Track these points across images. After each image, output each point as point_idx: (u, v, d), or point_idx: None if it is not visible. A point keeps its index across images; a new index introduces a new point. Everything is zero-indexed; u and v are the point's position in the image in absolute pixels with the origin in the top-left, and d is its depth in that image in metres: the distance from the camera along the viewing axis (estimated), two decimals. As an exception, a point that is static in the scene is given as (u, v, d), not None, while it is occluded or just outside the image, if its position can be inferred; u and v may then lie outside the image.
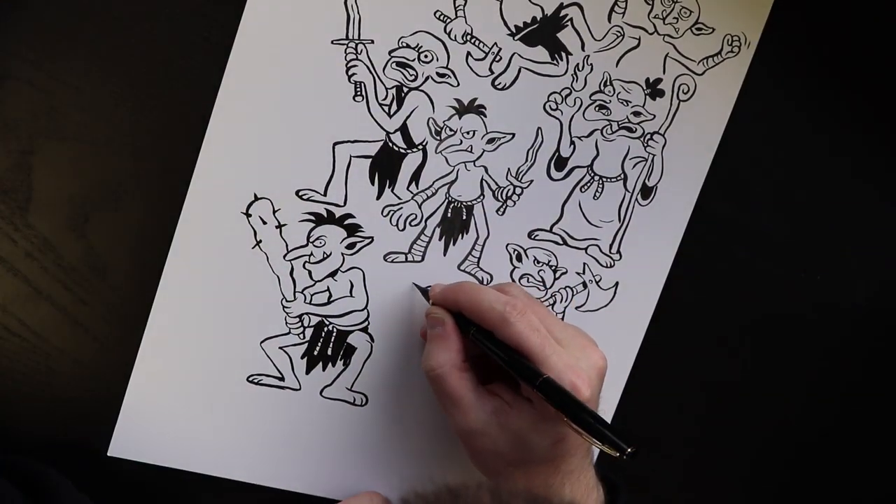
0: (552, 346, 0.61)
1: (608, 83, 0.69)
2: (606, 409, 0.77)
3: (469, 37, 0.65)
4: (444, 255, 0.69)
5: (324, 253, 0.66)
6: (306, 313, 0.67)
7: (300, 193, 0.64)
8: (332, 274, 0.67)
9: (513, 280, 0.71)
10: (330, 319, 0.67)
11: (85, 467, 0.64)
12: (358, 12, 0.62)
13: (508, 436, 0.62)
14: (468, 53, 0.65)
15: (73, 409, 0.63)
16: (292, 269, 0.65)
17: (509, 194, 0.69)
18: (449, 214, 0.68)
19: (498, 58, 0.66)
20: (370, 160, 0.65)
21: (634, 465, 0.80)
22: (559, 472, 0.64)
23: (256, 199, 0.63)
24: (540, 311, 0.64)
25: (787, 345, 0.84)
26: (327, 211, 0.65)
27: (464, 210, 0.69)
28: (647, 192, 0.73)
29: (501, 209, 0.70)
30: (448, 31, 0.64)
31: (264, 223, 0.64)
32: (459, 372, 0.64)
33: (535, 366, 0.61)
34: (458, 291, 0.65)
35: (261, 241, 0.64)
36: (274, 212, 0.64)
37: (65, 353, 0.62)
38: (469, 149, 0.67)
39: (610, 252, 0.73)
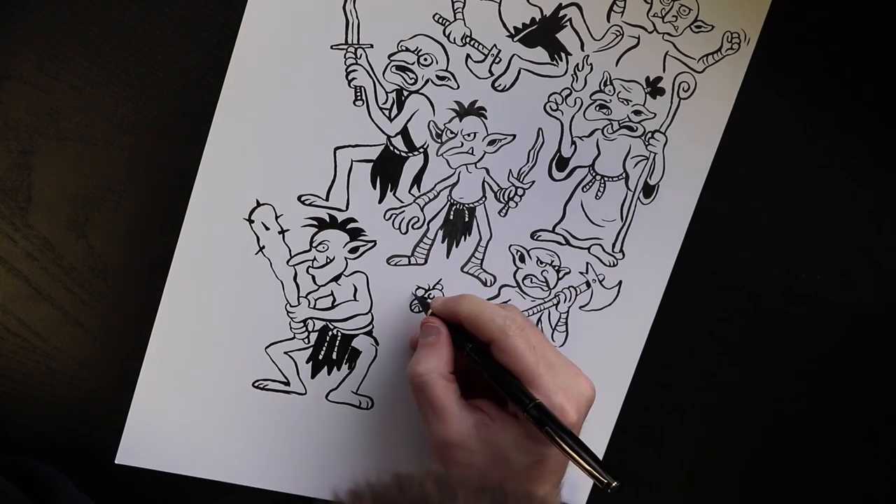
0: (546, 366, 0.62)
1: (608, 83, 0.69)
2: (610, 408, 0.77)
3: (468, 39, 0.65)
4: (447, 257, 0.69)
5: (327, 257, 0.66)
6: (310, 318, 0.67)
7: (302, 199, 0.64)
8: (336, 278, 0.67)
9: (516, 281, 0.71)
10: (334, 323, 0.67)
11: (85, 468, 0.64)
12: (357, 17, 0.62)
13: (488, 451, 0.62)
14: (467, 56, 0.66)
15: (72, 408, 0.63)
16: (296, 274, 0.65)
17: (511, 195, 0.69)
18: (451, 217, 0.68)
19: (497, 59, 0.66)
20: (371, 164, 0.65)
21: (636, 462, 0.81)
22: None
23: (259, 204, 0.63)
24: (536, 333, 0.64)
25: (787, 344, 0.84)
26: (330, 216, 0.65)
27: (466, 212, 0.69)
28: (648, 190, 0.73)
29: (503, 210, 0.70)
30: (447, 33, 0.65)
31: (267, 229, 0.64)
32: (445, 381, 0.63)
33: (526, 389, 0.61)
34: (459, 303, 0.66)
35: (264, 246, 0.64)
36: (276, 217, 0.64)
37: (65, 353, 0.62)
38: (470, 151, 0.67)
39: (613, 251, 0.73)
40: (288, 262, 0.65)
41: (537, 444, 0.61)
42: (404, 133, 0.66)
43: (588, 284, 0.74)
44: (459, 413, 0.63)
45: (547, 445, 0.61)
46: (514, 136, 0.68)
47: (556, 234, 0.71)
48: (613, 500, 0.69)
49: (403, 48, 0.64)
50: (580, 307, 0.74)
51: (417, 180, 0.67)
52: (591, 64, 0.69)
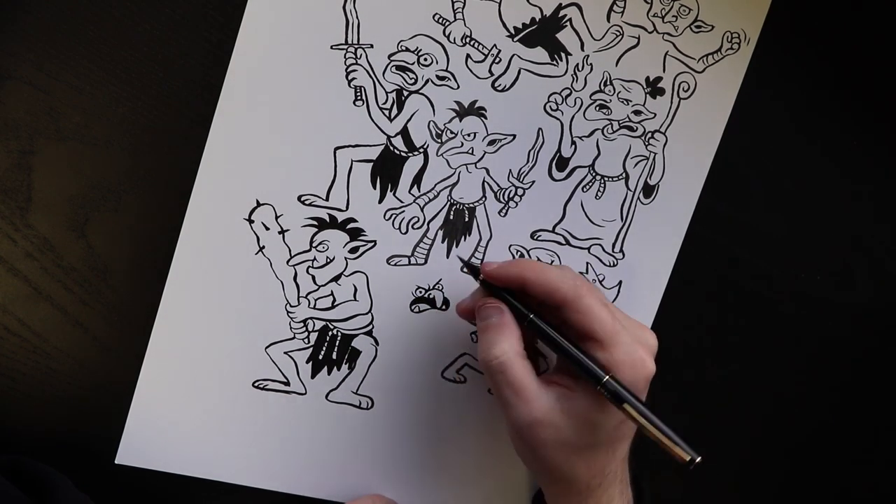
0: (621, 322, 0.61)
1: (608, 82, 0.69)
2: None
3: (468, 39, 0.65)
4: (447, 257, 0.69)
5: (327, 257, 0.66)
6: (310, 318, 0.67)
7: (302, 199, 0.64)
8: (336, 278, 0.67)
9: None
10: (334, 323, 0.67)
11: (85, 468, 0.64)
12: (356, 17, 0.62)
13: (574, 421, 0.61)
14: (467, 56, 0.66)
15: (72, 408, 0.63)
16: (296, 274, 0.65)
17: (511, 195, 0.69)
18: (451, 217, 0.68)
19: (497, 59, 0.66)
20: (371, 164, 0.65)
21: (636, 461, 0.81)
22: (616, 457, 0.63)
23: (259, 204, 0.63)
24: (601, 291, 0.64)
25: (787, 344, 0.84)
26: (330, 216, 0.65)
27: (466, 212, 0.69)
28: (649, 190, 0.73)
29: (503, 210, 0.70)
30: (447, 33, 0.65)
31: (267, 229, 0.64)
32: (522, 360, 0.62)
33: (595, 358, 0.60)
34: (522, 267, 0.62)
35: (264, 246, 0.64)
36: (276, 217, 0.64)
37: (65, 353, 0.62)
38: (470, 151, 0.67)
39: (613, 251, 0.73)
40: (288, 262, 0.65)
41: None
42: (404, 133, 0.66)
43: (588, 284, 0.74)
44: (539, 390, 0.61)
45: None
46: (514, 136, 0.68)
47: (556, 234, 0.71)
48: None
49: (403, 48, 0.64)
50: (580, 307, 0.74)
51: (417, 180, 0.67)
52: (591, 64, 0.69)
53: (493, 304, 0.63)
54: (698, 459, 0.56)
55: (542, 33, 0.67)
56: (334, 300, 0.67)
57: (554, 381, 0.63)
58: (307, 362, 0.67)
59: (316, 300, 0.66)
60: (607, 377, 0.59)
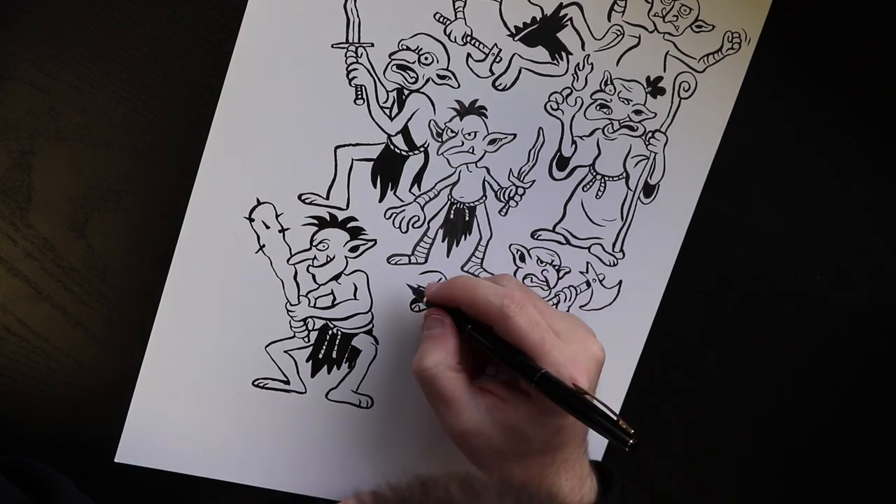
0: (552, 341, 0.61)
1: (609, 82, 0.69)
2: (612, 407, 0.77)
3: (469, 38, 0.65)
4: (448, 256, 0.69)
5: (327, 256, 0.66)
6: (311, 317, 0.67)
7: (303, 197, 0.64)
8: (336, 277, 0.67)
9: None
10: (334, 322, 0.67)
11: (85, 467, 0.64)
12: (357, 16, 0.62)
13: (505, 431, 0.62)
14: (468, 55, 0.65)
15: (72, 408, 0.63)
16: (296, 272, 0.65)
17: (511, 195, 0.69)
18: (451, 216, 0.68)
19: (498, 59, 0.66)
20: (372, 163, 0.65)
21: (636, 460, 0.81)
22: (555, 461, 0.64)
23: (259, 203, 0.63)
24: (537, 303, 0.64)
25: (787, 344, 0.84)
26: (330, 214, 0.65)
27: (466, 211, 0.69)
28: (649, 190, 0.73)
29: (504, 210, 0.70)
30: (448, 32, 0.65)
31: (267, 227, 0.64)
32: (452, 372, 0.63)
33: (532, 361, 0.60)
34: (453, 287, 0.65)
35: (264, 245, 0.64)
36: (277, 216, 0.64)
37: (65, 353, 0.62)
38: (471, 150, 0.67)
39: (613, 251, 0.73)
40: (288, 260, 0.65)
41: (552, 416, 0.61)
42: (405, 132, 0.65)
43: (588, 284, 0.74)
44: (470, 401, 0.62)
45: (561, 415, 0.61)
46: (515, 135, 0.68)
47: (557, 233, 0.71)
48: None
49: (404, 47, 0.64)
50: (580, 307, 0.74)
51: (418, 179, 0.67)
52: (591, 63, 0.68)
53: (436, 314, 0.65)
54: (630, 441, 0.56)
55: (543, 32, 0.67)
56: (334, 299, 0.67)
57: (488, 390, 0.63)
58: (307, 361, 0.67)
59: (316, 299, 0.66)
60: (539, 374, 0.59)
